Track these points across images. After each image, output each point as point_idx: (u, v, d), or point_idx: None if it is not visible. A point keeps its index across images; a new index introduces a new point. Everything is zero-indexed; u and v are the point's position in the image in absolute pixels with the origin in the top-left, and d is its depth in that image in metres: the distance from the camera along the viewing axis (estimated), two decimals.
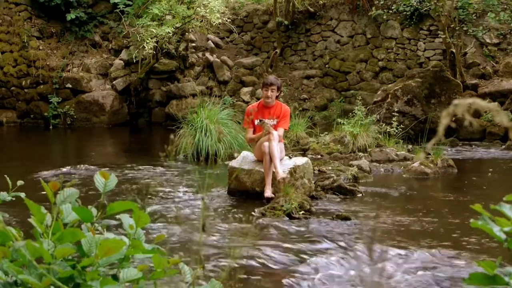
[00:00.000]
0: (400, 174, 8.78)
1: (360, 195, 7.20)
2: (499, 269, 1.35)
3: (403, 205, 6.85)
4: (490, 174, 9.18)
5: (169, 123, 13.06)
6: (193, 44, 15.99)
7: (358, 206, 6.69)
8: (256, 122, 6.95)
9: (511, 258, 3.62)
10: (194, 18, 13.75)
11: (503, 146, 11.27)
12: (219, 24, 14.14)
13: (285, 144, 7.61)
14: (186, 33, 15.49)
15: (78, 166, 8.92)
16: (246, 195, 6.90)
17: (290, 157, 7.37)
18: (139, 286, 1.55)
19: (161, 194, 7.16)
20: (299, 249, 4.98)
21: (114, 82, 15.50)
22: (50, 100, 15.20)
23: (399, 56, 14.89)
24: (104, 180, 1.73)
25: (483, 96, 12.79)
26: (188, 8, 13.63)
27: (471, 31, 14.04)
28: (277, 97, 7.17)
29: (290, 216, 5.98)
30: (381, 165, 9.18)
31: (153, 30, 13.11)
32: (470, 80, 13.35)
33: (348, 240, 5.29)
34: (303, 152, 9.73)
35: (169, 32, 13.31)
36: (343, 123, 10.25)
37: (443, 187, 8.27)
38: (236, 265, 4.49)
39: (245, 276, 4.37)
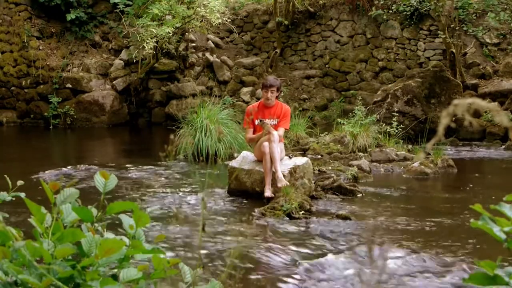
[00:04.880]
0: (400, 174, 8.77)
1: (360, 195, 7.20)
2: (499, 269, 1.35)
3: (403, 205, 6.85)
4: (490, 174, 9.18)
5: (169, 123, 13.06)
6: (193, 44, 15.99)
7: (358, 206, 6.68)
8: (256, 122, 6.94)
9: (511, 258, 3.62)
10: (194, 18, 13.75)
11: (503, 146, 11.27)
12: (219, 24, 14.14)
13: (285, 144, 7.60)
14: (186, 33, 15.50)
15: (78, 166, 8.91)
16: (246, 195, 6.90)
17: (290, 157, 7.37)
18: (139, 286, 1.55)
19: (161, 194, 7.16)
20: (299, 249, 4.98)
21: (114, 82, 15.51)
22: (50, 100, 15.20)
23: (399, 56, 14.89)
24: (104, 180, 1.73)
25: (483, 96, 12.79)
26: (188, 8, 13.63)
27: (471, 31, 14.04)
28: (277, 97, 7.15)
29: (290, 216, 5.97)
30: (381, 165, 9.17)
31: (153, 30, 13.11)
32: (470, 80, 13.35)
33: (348, 240, 5.29)
34: (303, 152, 9.72)
35: (169, 32, 13.31)
36: (343, 123, 10.25)
37: (443, 187, 8.27)
38: (236, 265, 4.48)
39: (245, 276, 4.37)
